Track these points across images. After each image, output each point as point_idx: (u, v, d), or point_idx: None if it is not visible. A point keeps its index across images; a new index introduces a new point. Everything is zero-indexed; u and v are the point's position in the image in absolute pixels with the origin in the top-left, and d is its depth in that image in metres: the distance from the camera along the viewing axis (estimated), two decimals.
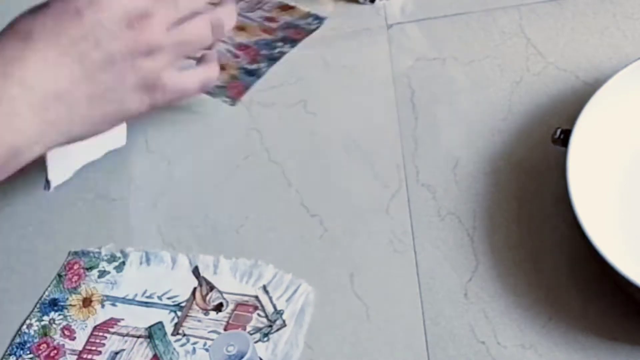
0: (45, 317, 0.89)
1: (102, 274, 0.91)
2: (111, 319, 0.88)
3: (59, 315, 0.89)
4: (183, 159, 1.00)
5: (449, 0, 1.05)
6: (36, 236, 0.97)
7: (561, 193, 0.81)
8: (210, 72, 0.75)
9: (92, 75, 0.64)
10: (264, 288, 0.86)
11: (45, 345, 0.87)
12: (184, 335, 0.85)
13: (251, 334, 0.83)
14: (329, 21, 1.06)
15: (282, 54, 0.93)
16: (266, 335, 0.83)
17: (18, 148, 0.62)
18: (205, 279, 0.88)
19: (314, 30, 0.92)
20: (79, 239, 0.95)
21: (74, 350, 0.86)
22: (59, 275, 0.92)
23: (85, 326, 0.88)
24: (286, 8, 0.94)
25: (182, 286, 0.89)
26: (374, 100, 0.99)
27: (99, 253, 0.93)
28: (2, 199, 0.99)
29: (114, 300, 0.89)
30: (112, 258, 0.92)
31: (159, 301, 0.88)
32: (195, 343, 0.84)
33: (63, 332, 0.88)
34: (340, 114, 0.99)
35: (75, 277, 0.91)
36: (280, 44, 0.92)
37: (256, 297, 0.86)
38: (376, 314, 0.84)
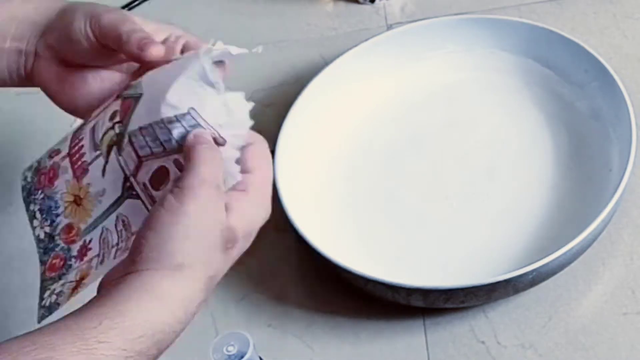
0: None
1: None
2: None
3: None
4: None
5: (449, 1, 1.05)
6: None
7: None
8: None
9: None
10: None
11: None
12: None
13: None
14: (329, 21, 1.06)
15: None
16: None
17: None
18: None
19: None
20: None
21: None
22: None
23: None
24: None
25: None
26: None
27: None
28: (2, 199, 0.99)
29: None
30: None
31: None
32: None
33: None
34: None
35: None
36: None
37: None
38: (376, 313, 0.85)
